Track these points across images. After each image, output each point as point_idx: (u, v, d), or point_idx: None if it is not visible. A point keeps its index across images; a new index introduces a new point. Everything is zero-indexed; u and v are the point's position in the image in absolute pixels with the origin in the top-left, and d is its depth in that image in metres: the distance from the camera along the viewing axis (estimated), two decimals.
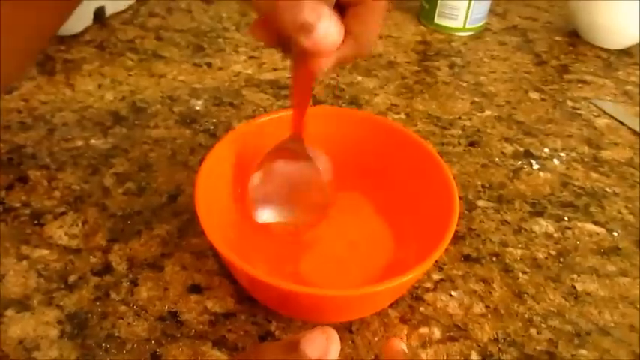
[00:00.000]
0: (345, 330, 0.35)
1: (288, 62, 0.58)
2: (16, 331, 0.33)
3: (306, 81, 0.31)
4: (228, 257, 0.30)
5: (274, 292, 0.32)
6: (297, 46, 0.27)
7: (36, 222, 0.40)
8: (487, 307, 0.37)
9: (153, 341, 0.33)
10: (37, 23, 0.36)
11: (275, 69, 0.58)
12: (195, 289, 0.36)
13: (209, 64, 0.58)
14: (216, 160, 0.36)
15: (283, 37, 0.28)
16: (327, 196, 0.35)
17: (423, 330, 0.35)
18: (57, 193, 0.42)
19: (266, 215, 0.36)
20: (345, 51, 0.29)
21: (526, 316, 0.37)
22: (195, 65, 0.57)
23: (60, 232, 0.39)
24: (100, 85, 0.53)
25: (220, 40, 0.62)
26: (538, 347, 0.35)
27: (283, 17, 0.26)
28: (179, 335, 0.34)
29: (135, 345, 0.33)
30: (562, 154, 0.50)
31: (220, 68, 0.57)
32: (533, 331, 0.36)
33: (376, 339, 0.34)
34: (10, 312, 0.34)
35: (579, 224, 0.44)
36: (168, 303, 0.35)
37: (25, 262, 0.37)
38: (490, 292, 0.38)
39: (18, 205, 0.41)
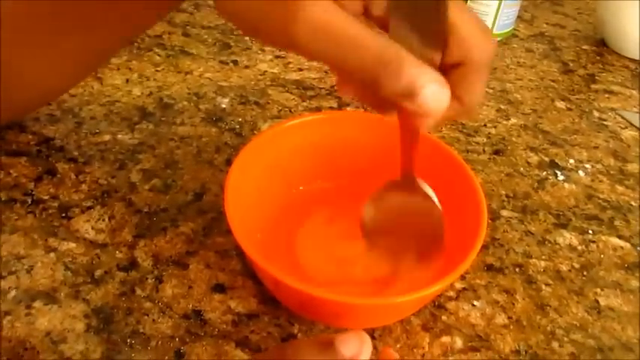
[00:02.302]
0: (368, 336, 0.35)
1: (314, 63, 0.58)
2: (44, 323, 0.34)
3: (410, 136, 0.31)
4: (254, 259, 0.31)
5: (299, 296, 0.32)
6: (402, 109, 0.26)
7: (63, 215, 0.40)
8: (509, 318, 0.37)
9: (177, 339, 0.34)
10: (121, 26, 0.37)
11: (301, 69, 0.58)
12: (219, 288, 0.37)
13: (235, 62, 0.58)
14: (245, 161, 0.36)
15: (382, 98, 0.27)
16: (440, 235, 0.34)
17: (445, 339, 0.35)
18: (84, 187, 0.42)
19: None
20: (449, 112, 0.27)
21: (548, 328, 0.37)
22: (222, 63, 0.58)
23: (87, 225, 0.40)
24: (127, 80, 0.54)
25: (247, 38, 0.62)
26: None
27: (384, 85, 0.25)
28: (203, 334, 0.34)
29: (159, 342, 0.33)
30: (587, 166, 0.50)
31: (246, 67, 0.58)
32: (555, 344, 0.36)
33: (398, 346, 0.35)
34: (37, 304, 0.35)
35: (604, 238, 0.43)
36: (193, 302, 0.36)
37: (52, 255, 0.37)
38: (513, 304, 0.38)
39: (46, 197, 0.41)
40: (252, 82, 0.55)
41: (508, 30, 0.68)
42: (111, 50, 0.44)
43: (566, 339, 0.36)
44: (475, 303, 0.38)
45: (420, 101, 0.25)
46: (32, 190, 0.42)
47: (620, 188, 0.48)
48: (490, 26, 0.65)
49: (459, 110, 0.28)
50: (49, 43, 0.38)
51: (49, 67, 0.39)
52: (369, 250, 0.36)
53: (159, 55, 0.58)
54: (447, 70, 0.27)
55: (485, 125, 0.53)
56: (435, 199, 0.33)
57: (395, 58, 0.25)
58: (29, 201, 0.41)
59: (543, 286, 0.39)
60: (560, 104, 0.58)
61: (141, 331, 0.34)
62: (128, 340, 0.33)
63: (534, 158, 0.50)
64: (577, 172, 0.49)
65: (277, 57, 0.59)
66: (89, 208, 0.41)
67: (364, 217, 0.36)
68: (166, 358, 0.33)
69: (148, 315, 0.35)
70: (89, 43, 0.39)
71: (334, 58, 0.25)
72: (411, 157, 0.32)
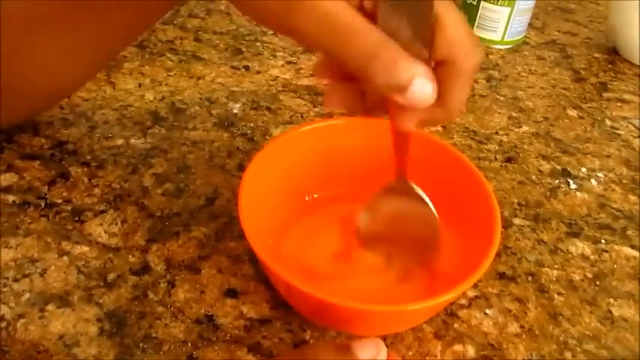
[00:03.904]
0: (383, 343, 0.35)
1: None
2: (57, 326, 0.34)
3: (402, 138, 0.32)
4: (267, 263, 0.31)
5: (311, 301, 0.32)
6: (390, 101, 0.27)
7: (76, 218, 0.40)
8: (522, 327, 0.37)
9: (189, 344, 0.34)
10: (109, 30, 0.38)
11: (312, 75, 0.58)
12: (231, 293, 0.37)
13: (247, 68, 0.58)
14: (259, 167, 0.36)
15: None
16: (437, 234, 0.35)
17: (457, 347, 0.35)
18: (97, 191, 0.43)
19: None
20: (430, 113, 0.29)
21: (561, 338, 0.36)
22: (234, 68, 0.58)
23: (99, 229, 0.40)
24: (140, 85, 0.54)
25: (258, 43, 0.62)
26: None
27: (377, 76, 0.26)
28: (215, 339, 0.34)
29: (172, 347, 0.33)
30: (600, 175, 0.50)
31: (258, 72, 0.58)
32: (568, 354, 0.36)
33: (410, 353, 0.34)
34: (51, 307, 0.35)
35: (616, 247, 0.43)
36: (205, 306, 0.36)
37: (65, 258, 0.38)
38: (525, 313, 0.38)
39: (59, 200, 0.41)
40: (264, 88, 0.56)
41: (519, 37, 0.68)
42: (123, 41, 0.44)
43: (578, 349, 0.36)
44: (487, 311, 0.37)
45: (408, 95, 0.26)
46: (46, 194, 0.42)
47: (632, 197, 0.48)
48: (502, 33, 0.65)
49: (440, 112, 0.29)
50: (63, 31, 0.38)
51: (63, 57, 0.39)
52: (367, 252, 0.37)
53: (171, 60, 0.58)
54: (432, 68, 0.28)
55: (497, 133, 0.53)
56: (429, 203, 0.34)
57: (390, 51, 0.26)
58: (43, 204, 0.41)
59: (556, 296, 0.39)
60: (572, 112, 0.58)
61: (153, 335, 0.34)
62: (141, 344, 0.33)
63: (546, 166, 0.50)
64: (589, 180, 0.49)
65: (289, 62, 0.60)
66: (102, 212, 0.41)
67: (359, 224, 0.37)
68: None
69: (160, 319, 0.35)
70: (102, 32, 0.39)
71: (332, 45, 0.26)
72: (404, 159, 0.33)
